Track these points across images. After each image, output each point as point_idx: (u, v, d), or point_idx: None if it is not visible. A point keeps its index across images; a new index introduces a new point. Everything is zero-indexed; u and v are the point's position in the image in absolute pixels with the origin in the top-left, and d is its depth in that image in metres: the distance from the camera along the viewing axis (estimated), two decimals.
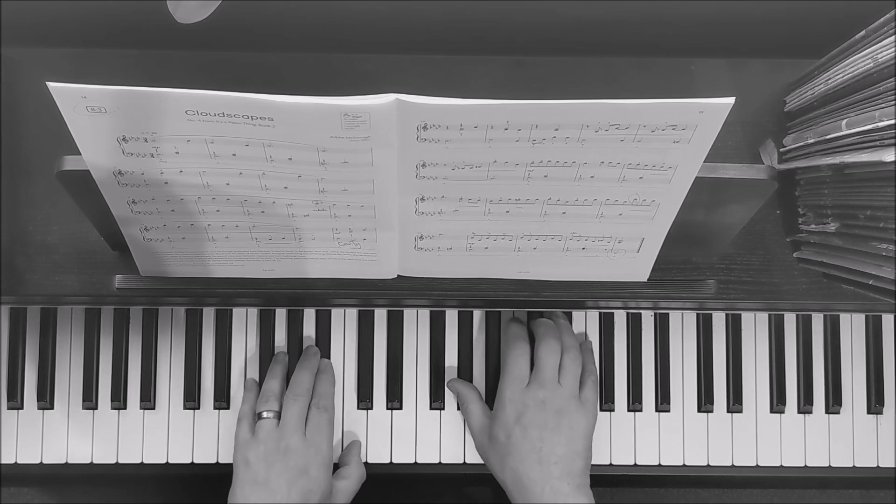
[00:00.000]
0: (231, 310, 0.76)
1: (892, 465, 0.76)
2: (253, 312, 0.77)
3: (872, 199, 0.59)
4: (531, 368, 0.70)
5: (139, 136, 0.53)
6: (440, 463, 0.75)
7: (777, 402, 0.76)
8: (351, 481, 0.71)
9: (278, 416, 0.70)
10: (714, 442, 0.76)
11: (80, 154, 0.54)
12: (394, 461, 0.75)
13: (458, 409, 0.75)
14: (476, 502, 0.79)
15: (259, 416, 0.70)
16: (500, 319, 0.77)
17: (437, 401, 0.76)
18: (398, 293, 0.69)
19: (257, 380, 0.75)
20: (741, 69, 0.71)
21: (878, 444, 0.76)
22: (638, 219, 0.60)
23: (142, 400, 0.75)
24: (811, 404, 0.77)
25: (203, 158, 0.54)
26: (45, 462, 0.75)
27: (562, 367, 0.70)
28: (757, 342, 0.77)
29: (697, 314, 0.77)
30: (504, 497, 0.69)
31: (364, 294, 0.69)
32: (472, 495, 0.79)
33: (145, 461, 0.75)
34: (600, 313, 0.77)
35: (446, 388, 0.76)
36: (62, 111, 0.50)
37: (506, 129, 0.52)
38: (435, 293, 0.69)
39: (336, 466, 0.73)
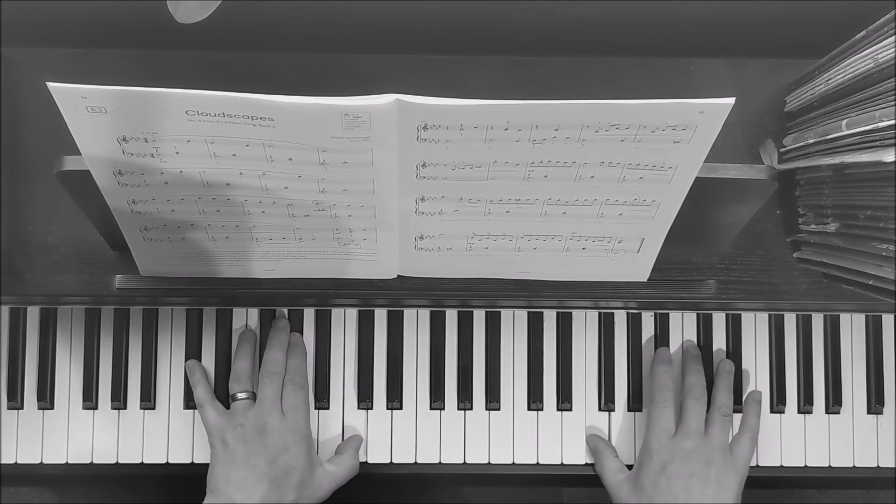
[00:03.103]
0: (231, 310, 0.76)
1: (892, 465, 0.76)
2: (253, 312, 0.77)
3: (872, 199, 0.59)
4: (676, 419, 0.70)
5: (139, 137, 0.53)
6: (440, 463, 0.75)
7: (777, 402, 0.76)
8: (340, 469, 0.70)
9: (253, 396, 0.70)
10: None
11: (80, 154, 0.54)
12: (394, 461, 0.75)
13: (593, 465, 0.74)
14: (476, 502, 0.79)
15: (233, 398, 0.69)
16: (500, 319, 0.77)
17: (437, 401, 0.76)
18: (398, 293, 0.69)
19: (200, 362, 0.75)
20: (741, 69, 0.72)
21: (878, 444, 0.76)
22: (638, 219, 0.60)
23: (142, 400, 0.75)
24: (811, 404, 0.77)
25: (203, 159, 0.54)
26: (45, 462, 0.74)
27: (710, 422, 0.69)
28: (757, 342, 0.77)
29: (697, 314, 0.77)
30: (503, 497, 0.69)
31: (364, 294, 0.69)
32: (472, 495, 0.79)
33: (145, 461, 0.75)
34: (600, 313, 0.77)
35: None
36: (62, 111, 0.50)
37: (506, 130, 0.52)
38: (435, 293, 0.69)
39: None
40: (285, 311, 0.77)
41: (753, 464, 0.76)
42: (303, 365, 0.73)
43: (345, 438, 0.75)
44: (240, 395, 0.69)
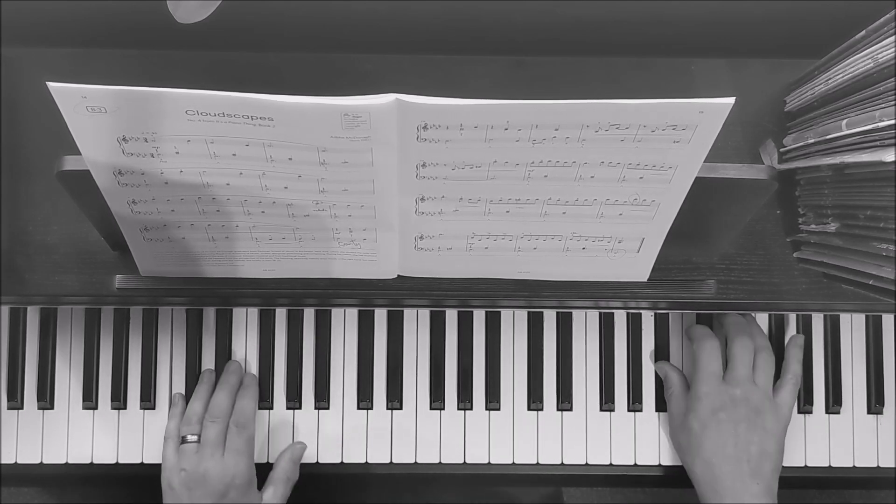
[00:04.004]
0: (231, 310, 0.76)
1: (892, 465, 0.76)
2: (253, 312, 0.77)
3: (872, 199, 0.59)
4: (724, 365, 0.72)
5: (139, 136, 0.53)
6: (440, 463, 0.75)
7: None
8: (278, 487, 0.71)
9: (200, 438, 0.70)
10: None
11: (80, 154, 0.54)
12: (394, 461, 0.75)
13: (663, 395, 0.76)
14: (476, 502, 0.79)
15: (183, 440, 0.70)
16: (500, 319, 0.77)
17: (437, 401, 0.76)
18: (398, 293, 0.69)
19: (184, 394, 0.75)
20: (741, 69, 0.71)
21: (878, 444, 0.76)
22: (638, 219, 0.60)
23: (142, 400, 0.75)
24: (811, 404, 0.77)
25: (203, 158, 0.54)
26: (45, 462, 0.75)
27: (755, 367, 0.71)
28: None
29: (697, 314, 0.77)
30: (502, 497, 0.69)
31: (364, 294, 0.69)
32: (472, 495, 0.79)
33: (145, 461, 0.75)
34: (600, 313, 0.77)
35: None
36: (62, 111, 0.50)
37: (506, 129, 0.52)
38: (435, 293, 0.69)
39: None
40: (285, 311, 0.77)
41: None
42: (250, 406, 0.73)
43: (344, 442, 0.75)
44: (189, 438, 0.70)
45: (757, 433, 0.69)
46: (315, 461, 0.75)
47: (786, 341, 0.77)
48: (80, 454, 0.75)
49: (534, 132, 0.52)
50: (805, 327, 0.77)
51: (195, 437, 0.70)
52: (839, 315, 0.77)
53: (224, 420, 0.71)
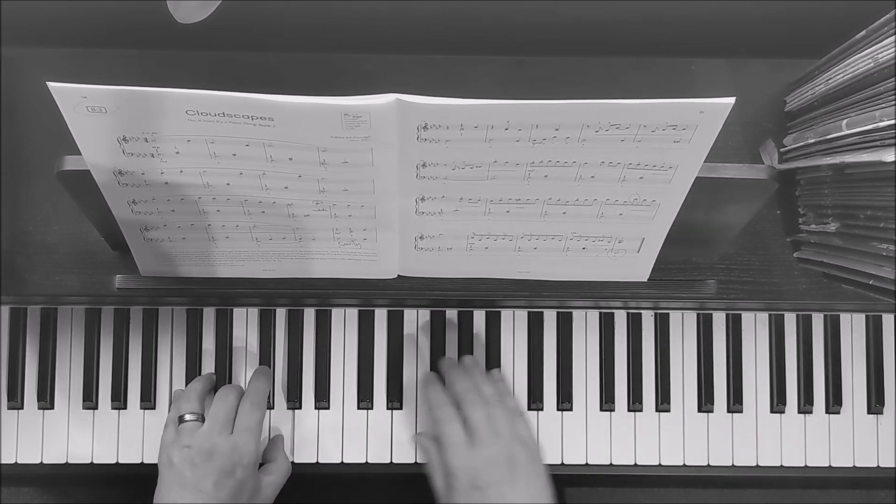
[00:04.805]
0: (231, 310, 0.76)
1: (892, 465, 0.76)
2: (253, 312, 0.77)
3: (872, 199, 0.59)
4: (464, 428, 0.67)
5: (139, 136, 0.53)
6: None
7: (777, 402, 0.76)
8: (277, 476, 0.70)
9: (201, 418, 0.69)
10: (714, 442, 0.76)
11: (80, 154, 0.54)
12: (394, 461, 0.75)
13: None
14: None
15: (181, 419, 0.68)
16: (501, 319, 0.77)
17: None
18: (398, 293, 0.69)
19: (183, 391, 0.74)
20: (741, 69, 0.72)
21: (878, 444, 0.76)
22: (638, 219, 0.60)
23: (142, 400, 0.75)
24: (811, 404, 0.77)
25: (203, 158, 0.54)
26: (45, 462, 0.74)
27: (492, 418, 0.66)
28: (757, 342, 0.77)
29: (697, 314, 0.77)
30: None
31: (364, 294, 0.69)
32: None
33: (145, 461, 0.75)
34: (600, 313, 0.77)
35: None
36: (62, 111, 0.50)
37: (506, 129, 0.52)
38: (435, 293, 0.69)
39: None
40: (285, 311, 0.77)
41: (753, 464, 0.76)
42: (264, 387, 0.71)
43: (344, 441, 0.75)
44: (187, 417, 0.68)
45: (520, 482, 0.63)
46: (315, 461, 0.75)
47: (786, 342, 0.77)
48: (80, 454, 0.75)
49: (534, 132, 0.52)
50: (805, 327, 0.77)
51: (193, 417, 0.68)
52: (839, 315, 0.77)
53: (235, 399, 0.69)
